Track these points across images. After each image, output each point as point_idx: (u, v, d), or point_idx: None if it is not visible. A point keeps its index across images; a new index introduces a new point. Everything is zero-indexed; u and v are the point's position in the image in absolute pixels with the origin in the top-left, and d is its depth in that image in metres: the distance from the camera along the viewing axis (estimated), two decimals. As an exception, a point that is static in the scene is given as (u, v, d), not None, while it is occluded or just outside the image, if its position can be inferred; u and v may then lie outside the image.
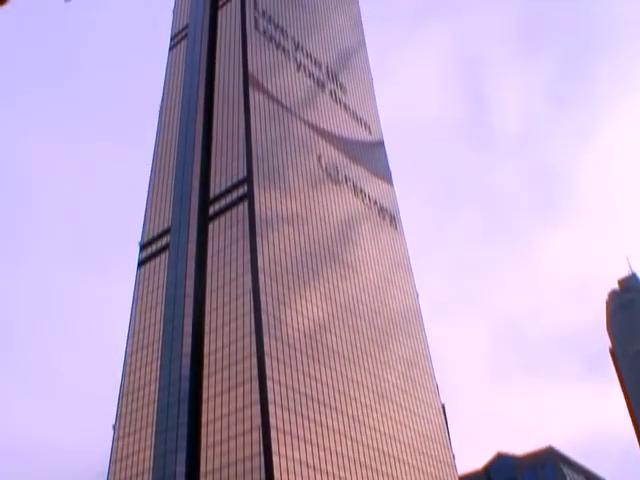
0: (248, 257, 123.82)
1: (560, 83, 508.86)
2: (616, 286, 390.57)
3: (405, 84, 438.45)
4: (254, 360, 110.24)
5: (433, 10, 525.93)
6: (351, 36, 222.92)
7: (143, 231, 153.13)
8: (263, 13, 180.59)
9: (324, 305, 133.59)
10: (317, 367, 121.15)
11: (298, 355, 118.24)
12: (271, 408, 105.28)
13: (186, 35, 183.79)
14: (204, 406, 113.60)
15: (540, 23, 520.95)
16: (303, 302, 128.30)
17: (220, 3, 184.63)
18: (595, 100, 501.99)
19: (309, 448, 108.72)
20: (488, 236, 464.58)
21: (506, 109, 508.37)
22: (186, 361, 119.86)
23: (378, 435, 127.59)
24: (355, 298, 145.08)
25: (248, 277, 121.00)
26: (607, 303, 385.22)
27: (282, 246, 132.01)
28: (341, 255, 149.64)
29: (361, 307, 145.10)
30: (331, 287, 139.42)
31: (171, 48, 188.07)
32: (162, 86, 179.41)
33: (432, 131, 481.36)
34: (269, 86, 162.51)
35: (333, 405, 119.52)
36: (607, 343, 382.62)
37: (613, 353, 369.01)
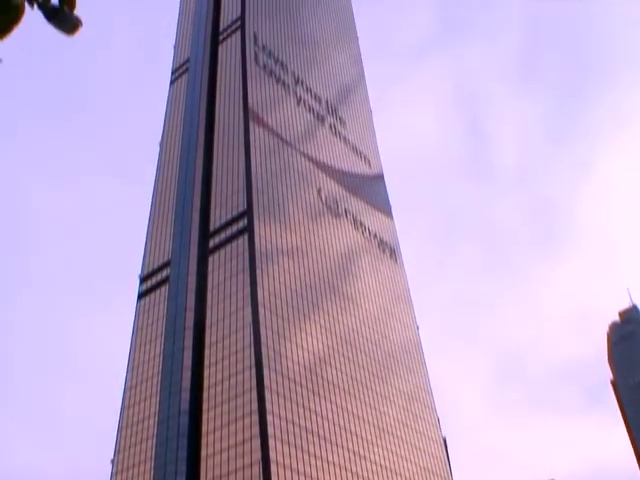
0: (248, 290, 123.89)
1: (557, 118, 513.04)
2: (617, 318, 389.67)
3: (405, 119, 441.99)
4: (254, 394, 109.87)
5: (432, 47, 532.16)
6: (351, 72, 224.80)
7: (143, 264, 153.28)
8: (263, 48, 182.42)
9: (324, 338, 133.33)
10: (317, 401, 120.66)
11: (298, 389, 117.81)
12: (271, 442, 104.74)
13: (187, 69, 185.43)
14: (203, 440, 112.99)
15: (537, 59, 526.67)
16: (303, 335, 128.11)
17: (221, 38, 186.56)
18: (592, 134, 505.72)
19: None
20: (488, 269, 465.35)
21: (504, 144, 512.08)
22: (185, 395, 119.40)
23: (379, 469, 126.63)
24: (355, 331, 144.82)
25: (248, 310, 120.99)
26: (608, 335, 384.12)
27: (282, 279, 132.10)
28: (341, 288, 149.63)
29: (361, 340, 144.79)
30: (331, 320, 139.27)
31: (172, 82, 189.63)
32: (163, 119, 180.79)
33: (431, 165, 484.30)
34: (269, 120, 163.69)
35: (333, 439, 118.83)
36: (608, 375, 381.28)
37: (615, 385, 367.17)
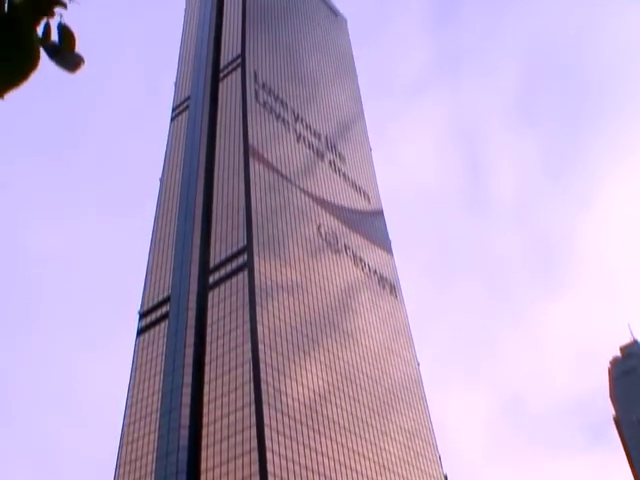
0: (248, 326, 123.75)
1: (555, 152, 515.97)
2: (618, 353, 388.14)
3: (403, 154, 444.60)
4: (253, 431, 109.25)
5: (429, 84, 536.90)
6: (350, 109, 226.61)
7: (143, 300, 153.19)
8: (263, 85, 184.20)
9: (324, 375, 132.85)
10: (317, 438, 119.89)
11: (298, 426, 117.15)
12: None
13: (187, 106, 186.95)
14: (202, 478, 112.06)
15: (534, 94, 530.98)
16: (303, 372, 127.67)
17: (221, 75, 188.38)
18: (590, 168, 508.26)
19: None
20: (488, 303, 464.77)
21: (503, 178, 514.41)
22: (184, 432, 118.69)
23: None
24: (355, 367, 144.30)
25: (248, 347, 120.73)
26: (609, 370, 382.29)
27: (282, 315, 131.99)
28: (341, 324, 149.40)
29: (361, 376, 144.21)
30: (331, 356, 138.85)
31: (172, 119, 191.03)
32: (163, 155, 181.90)
33: (431, 200, 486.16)
34: (269, 156, 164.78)
35: (334, 477, 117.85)
36: (610, 411, 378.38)
37: (617, 421, 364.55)
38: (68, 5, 4.77)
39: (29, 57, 4.43)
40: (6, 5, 4.39)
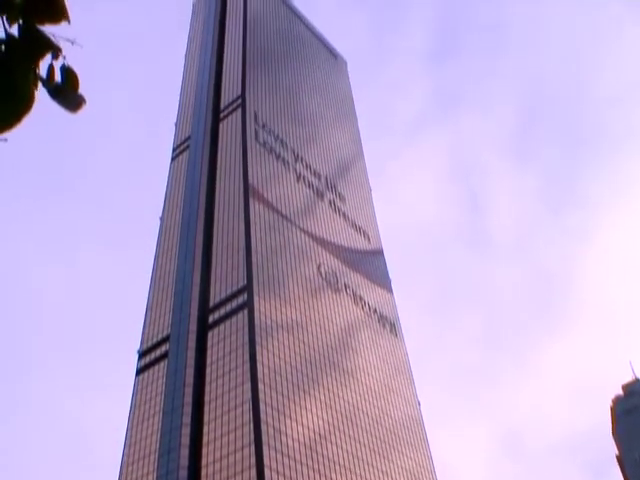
0: (247, 366, 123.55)
1: (555, 188, 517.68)
2: (620, 391, 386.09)
3: (403, 193, 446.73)
4: (253, 472, 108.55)
5: (427, 122, 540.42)
6: (349, 149, 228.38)
7: (142, 338, 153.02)
8: (263, 126, 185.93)
9: (324, 414, 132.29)
10: (317, 479, 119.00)
11: (298, 467, 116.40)
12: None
13: (188, 146, 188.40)
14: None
15: (533, 130, 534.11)
16: (303, 412, 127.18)
17: (222, 116, 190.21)
18: (590, 203, 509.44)
19: None
20: (488, 340, 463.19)
21: (502, 214, 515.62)
22: (183, 473, 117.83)
23: None
24: (355, 406, 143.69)
25: (247, 386, 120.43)
26: (612, 408, 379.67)
27: (282, 355, 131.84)
28: (341, 363, 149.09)
29: (361, 416, 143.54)
30: (331, 395, 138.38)
31: (173, 159, 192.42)
32: (164, 194, 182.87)
33: (430, 237, 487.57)
34: (269, 196, 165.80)
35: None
36: (613, 450, 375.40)
37: (620, 460, 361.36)
38: (64, 49, 4.90)
39: (23, 101, 4.54)
40: (2, 48, 4.52)
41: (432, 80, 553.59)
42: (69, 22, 4.73)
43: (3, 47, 4.51)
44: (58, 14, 4.70)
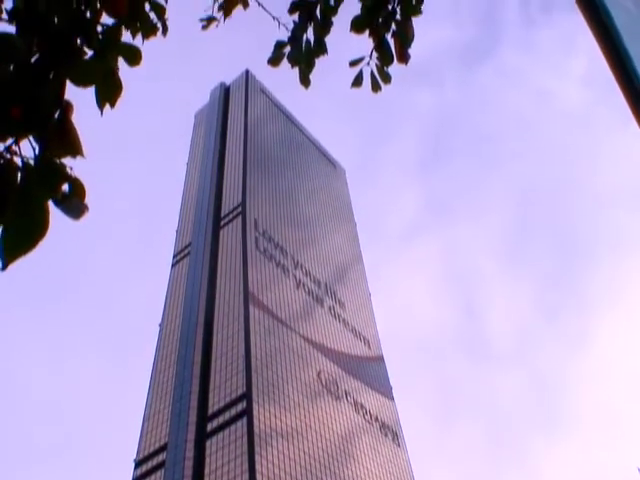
0: (246, 476, 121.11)
1: (551, 291, 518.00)
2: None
3: (400, 298, 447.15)
4: None
5: (423, 228, 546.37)
6: (349, 255, 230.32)
7: (139, 447, 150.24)
8: (263, 233, 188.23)
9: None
10: None
11: None
12: None
13: (188, 253, 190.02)
14: None
15: (526, 234, 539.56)
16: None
17: (222, 223, 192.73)
18: (588, 306, 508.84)
19: None
20: (489, 447, 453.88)
21: (499, 320, 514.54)
22: None
23: None
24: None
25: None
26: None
27: (281, 464, 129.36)
28: (341, 472, 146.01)
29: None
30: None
31: (173, 265, 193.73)
32: (163, 300, 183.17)
33: (429, 344, 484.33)
34: (269, 303, 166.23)
35: None
36: None
37: None
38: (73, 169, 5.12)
39: (39, 228, 4.62)
40: (20, 178, 4.60)
41: (424, 188, 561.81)
42: (84, 157, 4.93)
43: (22, 179, 4.64)
44: (73, 150, 4.87)
